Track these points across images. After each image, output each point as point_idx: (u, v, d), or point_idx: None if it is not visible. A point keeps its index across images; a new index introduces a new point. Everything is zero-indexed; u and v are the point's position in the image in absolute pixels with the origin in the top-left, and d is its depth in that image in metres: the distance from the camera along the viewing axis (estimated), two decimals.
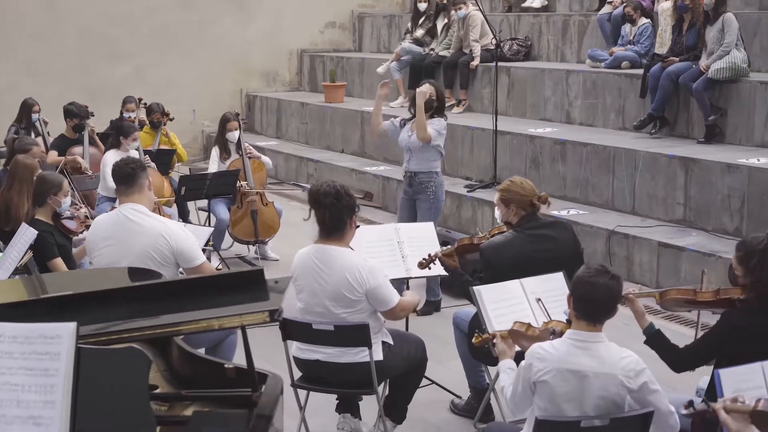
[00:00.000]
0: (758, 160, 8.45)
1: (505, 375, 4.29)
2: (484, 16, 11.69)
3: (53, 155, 9.50)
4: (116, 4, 14.45)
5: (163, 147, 10.19)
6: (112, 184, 6.53)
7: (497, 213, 5.67)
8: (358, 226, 5.39)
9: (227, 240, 9.53)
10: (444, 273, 5.93)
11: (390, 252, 6.28)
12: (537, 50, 12.62)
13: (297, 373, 5.31)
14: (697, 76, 9.41)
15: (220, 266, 9.11)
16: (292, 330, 5.15)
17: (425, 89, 7.68)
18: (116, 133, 9.17)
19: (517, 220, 5.52)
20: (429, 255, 5.85)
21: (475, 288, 4.95)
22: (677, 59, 9.73)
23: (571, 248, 5.48)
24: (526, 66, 11.97)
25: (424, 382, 6.04)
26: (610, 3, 11.67)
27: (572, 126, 10.89)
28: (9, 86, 13.08)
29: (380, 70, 13.17)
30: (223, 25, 15.22)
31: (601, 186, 9.56)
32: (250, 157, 9.38)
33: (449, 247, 5.85)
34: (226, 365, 3.72)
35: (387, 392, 5.50)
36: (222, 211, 9.21)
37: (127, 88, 12.11)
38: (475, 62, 12.08)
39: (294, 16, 15.79)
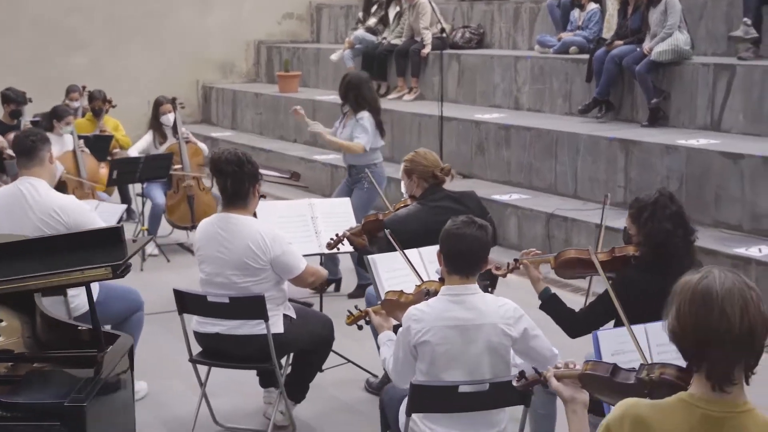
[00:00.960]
0: (697, 141, 8.35)
1: (386, 348, 4.12)
2: (431, 4, 11.56)
3: None
4: None
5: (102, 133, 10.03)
6: None
7: (402, 186, 5.55)
8: (263, 196, 5.27)
9: (167, 227, 9.38)
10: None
11: (303, 227, 6.15)
12: (489, 38, 12.50)
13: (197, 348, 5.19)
14: (640, 59, 9.29)
15: (156, 252, 9.00)
16: (188, 303, 5.02)
17: (313, 129, 7.87)
18: (50, 116, 9.02)
19: (421, 192, 5.40)
20: (337, 235, 5.73)
21: (369, 257, 4.82)
22: (621, 42, 9.63)
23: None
24: (476, 53, 11.86)
25: (340, 360, 5.94)
26: None
27: (520, 112, 10.77)
28: None
29: (333, 57, 13.07)
30: (181, 16, 15.06)
31: (545, 170, 9.45)
32: (187, 142, 9.22)
33: (356, 225, 5.73)
34: (79, 327, 3.59)
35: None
36: (158, 195, 9.04)
37: (82, 79, 11.84)
38: (426, 50, 11.96)
39: (252, 7, 15.66)
